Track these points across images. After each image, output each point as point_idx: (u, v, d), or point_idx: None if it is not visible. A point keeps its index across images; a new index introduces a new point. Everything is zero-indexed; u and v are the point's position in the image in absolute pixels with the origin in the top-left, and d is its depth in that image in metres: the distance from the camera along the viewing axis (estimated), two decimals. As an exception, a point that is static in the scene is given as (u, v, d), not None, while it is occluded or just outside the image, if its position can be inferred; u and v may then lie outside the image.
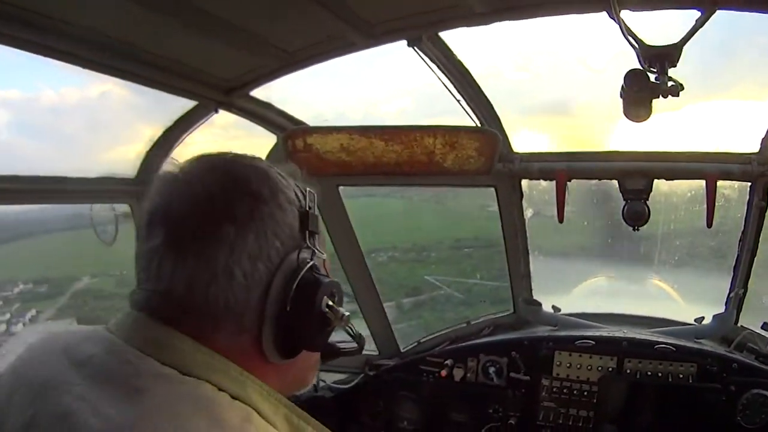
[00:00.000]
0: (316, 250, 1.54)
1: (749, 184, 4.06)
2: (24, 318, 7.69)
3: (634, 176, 4.01)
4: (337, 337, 1.75)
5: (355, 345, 1.81)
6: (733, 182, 4.13)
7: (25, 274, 8.08)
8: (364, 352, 5.03)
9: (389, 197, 9.95)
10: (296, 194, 1.54)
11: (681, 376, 4.10)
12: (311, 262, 1.51)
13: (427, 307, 7.81)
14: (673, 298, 5.78)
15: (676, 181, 4.12)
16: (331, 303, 1.53)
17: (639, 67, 2.86)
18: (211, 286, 1.39)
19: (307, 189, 1.59)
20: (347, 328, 1.68)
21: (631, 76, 2.85)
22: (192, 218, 1.42)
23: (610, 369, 4.25)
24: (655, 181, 4.04)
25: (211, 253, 1.39)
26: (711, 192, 3.89)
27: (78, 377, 1.38)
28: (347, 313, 1.58)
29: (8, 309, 7.65)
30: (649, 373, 4.15)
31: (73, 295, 8.44)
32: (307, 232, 1.53)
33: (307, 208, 1.55)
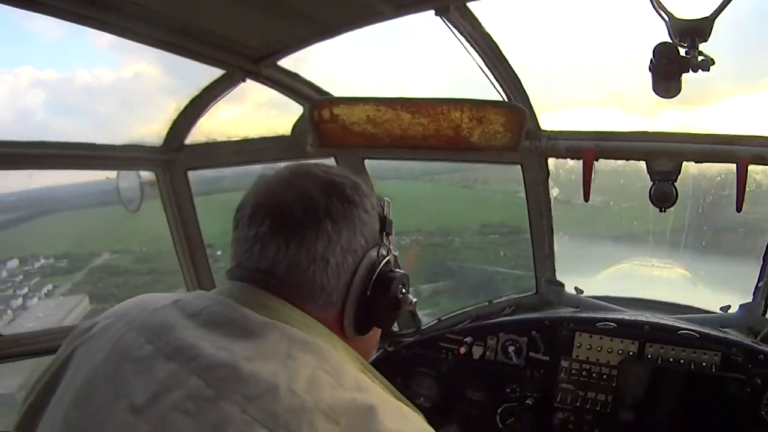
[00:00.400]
0: (390, 248, 1.86)
1: (783, 169, 3.96)
2: (39, 293, 7.78)
3: (663, 157, 3.92)
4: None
5: (413, 328, 2.15)
6: (766, 167, 4.03)
7: (49, 249, 8.20)
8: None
9: (418, 180, 9.90)
10: (377, 202, 1.87)
11: (704, 364, 4.02)
12: (387, 257, 1.83)
13: (446, 294, 7.66)
14: (699, 285, 5.70)
15: (705, 164, 4.05)
16: (404, 290, 1.87)
17: (669, 40, 2.82)
18: (310, 268, 1.68)
19: (385, 199, 1.92)
20: (413, 311, 2.09)
21: (660, 49, 2.80)
22: (297, 214, 1.70)
23: (631, 353, 4.19)
24: (684, 163, 3.96)
25: (311, 243, 1.68)
26: (742, 176, 3.79)
27: (194, 324, 1.61)
28: (415, 299, 1.94)
29: (27, 283, 7.74)
30: (671, 360, 4.08)
31: (89, 271, 8.52)
32: (384, 233, 1.84)
33: (385, 214, 1.87)
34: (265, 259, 1.70)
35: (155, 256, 8.40)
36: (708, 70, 2.80)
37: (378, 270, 1.78)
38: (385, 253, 1.83)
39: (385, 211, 1.87)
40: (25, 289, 7.62)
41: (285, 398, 1.38)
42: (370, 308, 1.78)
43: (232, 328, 1.57)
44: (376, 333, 1.93)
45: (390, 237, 1.88)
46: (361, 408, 1.41)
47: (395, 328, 4.95)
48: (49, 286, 7.97)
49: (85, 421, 1.53)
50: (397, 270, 1.87)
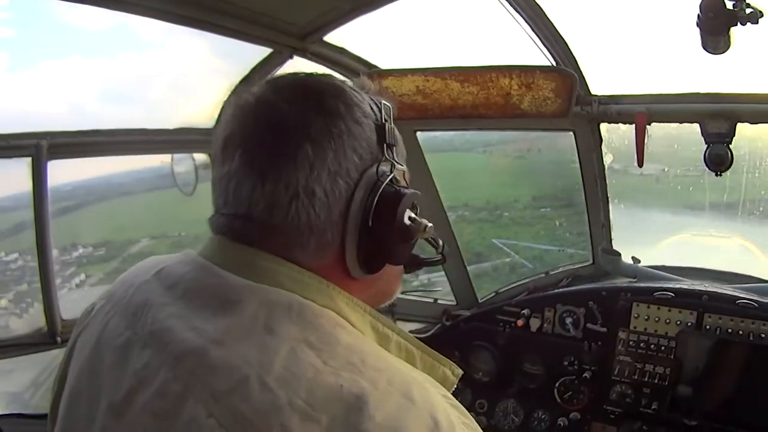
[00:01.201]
0: (394, 162, 1.56)
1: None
2: (71, 284, 7.53)
3: (717, 118, 3.83)
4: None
5: (439, 256, 1.84)
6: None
7: (90, 237, 8.04)
8: (440, 301, 5.11)
9: (471, 152, 9.67)
10: (371, 108, 1.55)
11: (763, 335, 3.89)
12: (391, 175, 1.52)
13: (489, 278, 7.34)
14: (757, 254, 5.61)
15: (760, 126, 3.96)
16: (413, 214, 1.55)
17: (716, -7, 2.77)
18: (293, 205, 1.40)
19: (382, 102, 1.60)
20: (431, 239, 1.70)
21: (707, 3, 2.74)
22: (269, 140, 1.43)
23: (689, 324, 4.09)
24: (739, 126, 3.86)
25: (290, 174, 1.40)
26: (798, 137, 3.74)
27: (171, 298, 1.44)
28: (430, 224, 1.59)
29: (62, 274, 7.48)
30: (730, 330, 3.97)
31: (124, 260, 8.31)
32: (384, 144, 1.54)
33: (383, 120, 1.55)
34: (241, 200, 1.45)
35: (192, 241, 8.32)
36: (757, 23, 2.74)
37: (380, 192, 1.48)
38: (386, 169, 1.53)
39: (382, 117, 1.56)
40: (59, 280, 7.43)
41: (255, 394, 1.18)
42: (375, 240, 1.49)
43: (209, 300, 1.39)
44: (392, 268, 1.64)
45: (394, 148, 1.58)
46: (348, 398, 1.18)
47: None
48: (82, 276, 7.81)
49: (75, 422, 1.45)
50: (405, 188, 1.56)
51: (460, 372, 1.59)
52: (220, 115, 4.03)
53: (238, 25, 3.56)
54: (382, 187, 1.48)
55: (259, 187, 1.41)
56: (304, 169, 1.39)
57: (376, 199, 1.47)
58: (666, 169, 5.48)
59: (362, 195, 1.46)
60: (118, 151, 4.13)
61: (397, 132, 1.63)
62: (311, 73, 1.59)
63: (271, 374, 1.19)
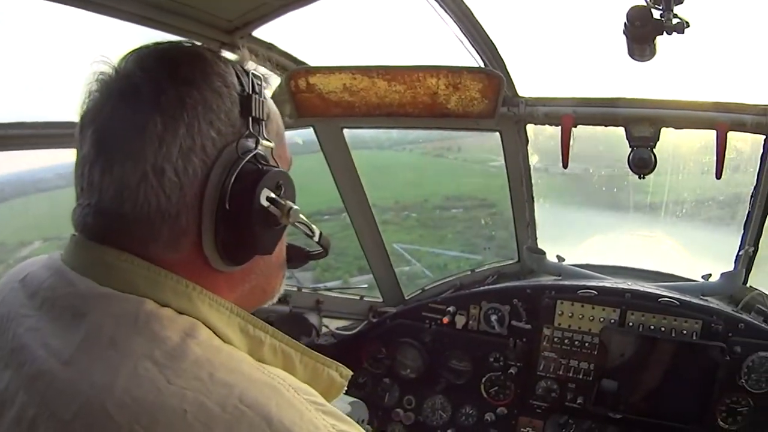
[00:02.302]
0: (260, 138, 1.40)
1: (763, 137, 3.91)
2: None
3: (642, 123, 3.90)
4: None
5: (320, 249, 1.70)
6: (747, 134, 3.97)
7: None
8: (367, 298, 5.09)
9: (390, 149, 9.38)
10: (238, 77, 1.40)
11: (685, 332, 4.01)
12: (254, 152, 1.37)
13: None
14: (680, 253, 5.72)
15: (685, 130, 4.00)
16: (272, 195, 1.37)
17: (643, 3, 2.80)
18: (141, 188, 1.26)
19: (253, 73, 1.44)
20: (301, 226, 1.53)
21: (634, 12, 2.77)
22: (117, 115, 1.29)
23: (612, 321, 4.18)
24: (663, 130, 3.93)
25: (138, 152, 1.25)
26: (721, 143, 3.77)
27: (31, 308, 1.33)
28: (295, 207, 1.42)
29: None
30: (652, 327, 4.07)
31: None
32: (250, 118, 1.38)
33: (250, 91, 1.40)
34: (93, 188, 1.30)
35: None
36: (683, 33, 2.78)
37: (238, 170, 1.32)
38: (250, 145, 1.37)
39: (250, 89, 1.40)
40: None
41: (96, 422, 1.08)
42: (234, 225, 1.33)
43: (63, 311, 1.27)
44: (267, 261, 1.50)
45: (264, 123, 1.42)
46: (193, 426, 1.07)
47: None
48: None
49: None
50: (271, 166, 1.40)
51: (350, 373, 1.47)
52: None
53: (166, 18, 3.47)
54: (242, 165, 1.33)
55: (108, 169, 1.27)
56: (153, 145, 1.25)
57: (233, 178, 1.32)
58: (591, 170, 5.55)
59: (218, 174, 1.31)
60: (45, 144, 4.00)
61: (271, 106, 1.51)
62: (173, 41, 1.47)
63: (112, 398, 1.09)
